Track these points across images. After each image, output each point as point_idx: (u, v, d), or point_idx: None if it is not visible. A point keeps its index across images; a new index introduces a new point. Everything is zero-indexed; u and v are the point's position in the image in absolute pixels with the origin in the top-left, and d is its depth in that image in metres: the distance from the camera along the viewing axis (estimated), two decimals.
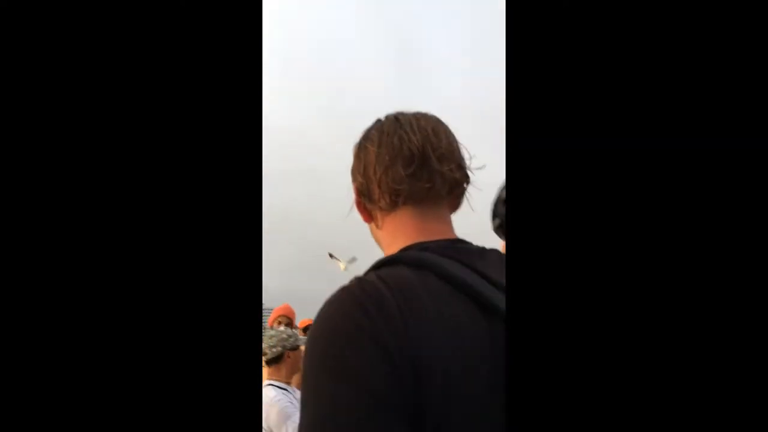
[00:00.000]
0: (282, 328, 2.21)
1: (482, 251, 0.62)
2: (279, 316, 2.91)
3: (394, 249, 0.61)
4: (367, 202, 0.64)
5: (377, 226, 0.66)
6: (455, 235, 0.65)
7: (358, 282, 0.51)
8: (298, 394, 1.99)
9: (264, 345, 1.97)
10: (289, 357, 2.01)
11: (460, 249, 0.60)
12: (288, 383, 2.04)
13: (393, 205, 0.62)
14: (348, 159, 0.69)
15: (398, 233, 0.63)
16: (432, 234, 0.62)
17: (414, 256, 0.56)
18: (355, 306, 0.47)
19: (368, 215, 0.66)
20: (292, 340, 2.03)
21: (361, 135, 0.66)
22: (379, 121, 0.66)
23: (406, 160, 0.60)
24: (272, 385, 1.96)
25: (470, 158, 0.65)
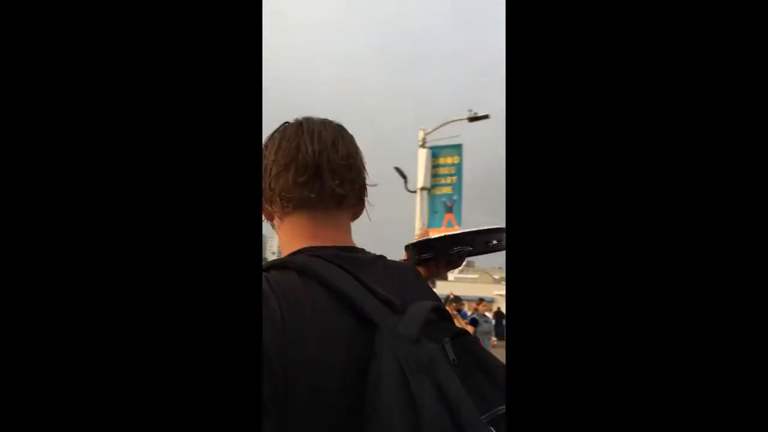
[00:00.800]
0: None
1: (372, 260, 0.64)
2: None
3: (288, 251, 0.63)
4: (266, 202, 0.65)
5: (275, 227, 0.68)
6: (350, 242, 0.66)
7: None
8: None
9: None
10: None
11: (349, 258, 0.61)
12: None
13: (284, 210, 0.64)
14: None
15: (293, 236, 0.65)
16: (324, 240, 0.63)
17: (301, 263, 0.57)
18: None
19: (269, 215, 0.67)
20: None
21: (266, 137, 0.67)
22: (285, 124, 0.67)
23: (299, 169, 0.62)
24: None
25: (366, 172, 0.67)
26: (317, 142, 0.63)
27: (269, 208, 0.66)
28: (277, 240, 0.70)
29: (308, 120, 0.66)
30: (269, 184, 0.63)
